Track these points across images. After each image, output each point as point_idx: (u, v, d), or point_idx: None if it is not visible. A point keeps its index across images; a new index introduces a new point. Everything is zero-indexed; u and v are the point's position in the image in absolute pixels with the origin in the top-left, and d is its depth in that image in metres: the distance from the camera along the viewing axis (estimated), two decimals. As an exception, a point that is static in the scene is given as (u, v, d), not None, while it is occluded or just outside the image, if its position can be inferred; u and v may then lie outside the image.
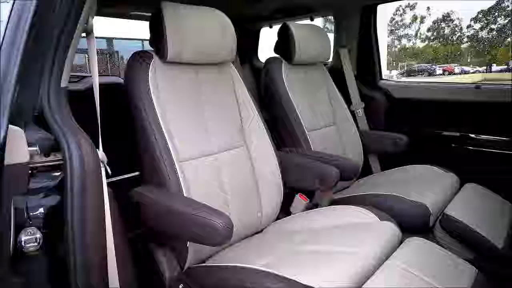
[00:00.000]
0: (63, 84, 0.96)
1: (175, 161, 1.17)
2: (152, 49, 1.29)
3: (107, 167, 1.02)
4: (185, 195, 1.16)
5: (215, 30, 1.34)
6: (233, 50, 1.43)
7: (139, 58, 1.24)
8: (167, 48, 1.21)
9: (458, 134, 2.00)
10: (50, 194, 0.90)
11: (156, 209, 1.08)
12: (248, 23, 2.55)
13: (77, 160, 0.83)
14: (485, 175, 1.81)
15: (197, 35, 1.28)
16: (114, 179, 1.62)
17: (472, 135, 1.96)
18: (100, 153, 1.00)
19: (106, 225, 0.95)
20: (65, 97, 0.97)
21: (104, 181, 1.00)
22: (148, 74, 1.21)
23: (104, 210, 0.93)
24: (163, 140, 1.17)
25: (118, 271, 0.97)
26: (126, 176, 1.60)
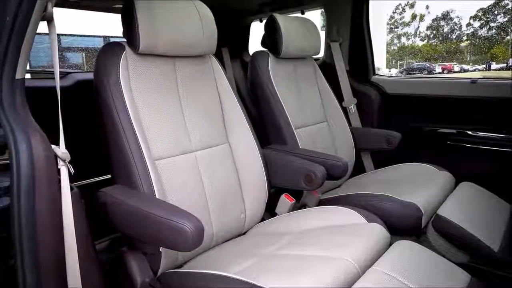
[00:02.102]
0: (19, 75, 0.89)
1: (146, 159, 1.09)
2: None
3: (70, 166, 0.95)
4: (158, 196, 1.09)
5: (192, 20, 1.26)
6: (213, 42, 1.35)
7: (110, 49, 1.16)
8: (139, 38, 1.13)
9: (455, 131, 1.93)
10: (5, 195, 0.83)
11: (121, 210, 1.01)
12: (238, 17, 2.47)
13: (25, 158, 0.75)
14: (482, 173, 1.74)
15: (172, 25, 1.20)
16: (85, 181, 1.55)
17: (469, 132, 1.89)
18: (61, 151, 0.92)
19: (66, 228, 0.88)
20: (21, 90, 0.90)
21: (66, 180, 0.92)
22: (118, 66, 1.13)
23: (61, 212, 0.86)
24: (133, 136, 1.09)
25: (82, 277, 0.90)
26: (100, 178, 1.52)
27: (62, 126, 0.97)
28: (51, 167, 0.82)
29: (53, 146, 0.93)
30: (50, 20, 0.96)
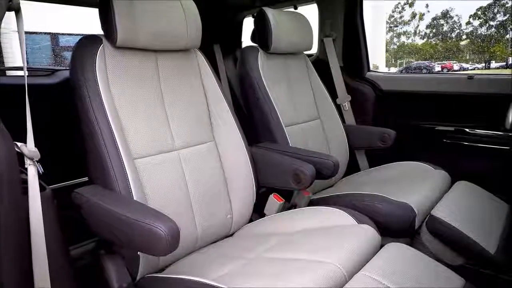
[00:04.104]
0: (-19, 68, 0.83)
1: (123, 158, 1.03)
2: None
3: (38, 165, 0.89)
4: (136, 196, 1.03)
5: (174, 11, 1.21)
6: (198, 35, 1.29)
7: (86, 43, 1.11)
8: (116, 30, 1.08)
9: (452, 128, 1.87)
10: None
11: (95, 212, 0.95)
12: (230, 13, 2.41)
13: None
14: (479, 172, 1.68)
15: (152, 16, 1.14)
16: (73, 182, 1.50)
17: (467, 130, 1.83)
18: (28, 149, 0.87)
19: (34, 229, 0.83)
20: None
21: (34, 181, 0.87)
22: (95, 60, 1.08)
23: (25, 215, 0.80)
24: (109, 134, 1.03)
25: (52, 283, 0.85)
26: (76, 181, 1.46)
27: (30, 123, 0.92)
28: (12, 167, 0.76)
29: (19, 144, 0.88)
30: (17, 11, 0.90)
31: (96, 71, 1.07)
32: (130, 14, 1.09)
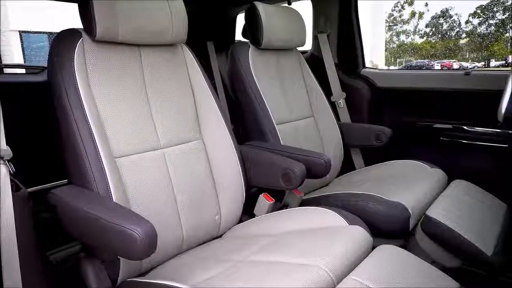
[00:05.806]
0: None
1: (102, 157, 0.99)
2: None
3: (9, 164, 0.85)
4: (116, 197, 0.98)
5: (158, 3, 1.16)
6: (184, 29, 1.25)
7: (65, 36, 1.06)
8: (94, 23, 1.03)
9: (450, 126, 1.82)
10: None
11: (69, 213, 0.91)
12: (223, 9, 2.36)
13: None
14: (477, 171, 1.64)
15: (134, 8, 1.10)
16: (45, 185, 1.45)
17: (465, 127, 1.78)
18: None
19: (4, 232, 0.79)
20: None
21: (6, 181, 0.83)
22: (73, 54, 1.03)
23: None
24: (87, 132, 0.99)
25: (26, 284, 0.81)
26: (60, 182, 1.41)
27: (2, 121, 0.87)
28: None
29: None
30: None
31: (74, 67, 1.02)
32: (109, 5, 1.04)
